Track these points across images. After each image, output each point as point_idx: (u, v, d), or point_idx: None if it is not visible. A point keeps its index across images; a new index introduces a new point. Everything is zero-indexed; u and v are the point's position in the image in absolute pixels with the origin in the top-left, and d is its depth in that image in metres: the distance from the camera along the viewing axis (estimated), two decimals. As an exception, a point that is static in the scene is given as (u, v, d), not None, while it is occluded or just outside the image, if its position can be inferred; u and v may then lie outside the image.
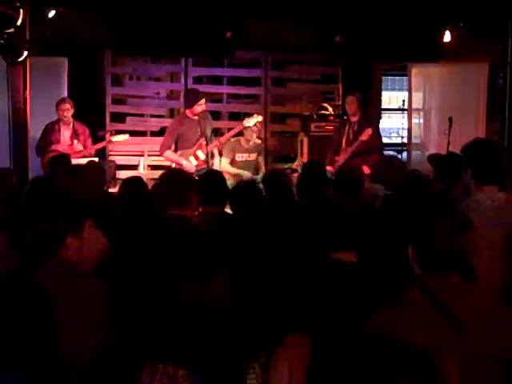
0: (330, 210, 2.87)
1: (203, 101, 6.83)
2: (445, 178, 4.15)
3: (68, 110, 7.13)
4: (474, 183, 3.16)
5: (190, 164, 6.83)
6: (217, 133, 7.70)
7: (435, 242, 2.22)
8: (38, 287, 2.19)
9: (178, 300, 2.44)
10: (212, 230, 3.53)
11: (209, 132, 6.98)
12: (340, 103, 8.59)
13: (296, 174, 6.53)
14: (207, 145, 6.87)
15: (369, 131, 6.89)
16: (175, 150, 7.01)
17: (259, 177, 6.76)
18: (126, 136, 7.58)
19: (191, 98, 7.02)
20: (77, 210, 2.70)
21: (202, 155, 6.88)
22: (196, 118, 6.86)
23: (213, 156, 7.10)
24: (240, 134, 7.37)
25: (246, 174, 7.04)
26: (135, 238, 3.36)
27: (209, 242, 2.73)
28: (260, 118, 7.26)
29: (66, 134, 7.18)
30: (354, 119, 7.18)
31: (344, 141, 7.17)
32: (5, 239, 3.12)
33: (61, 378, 2.21)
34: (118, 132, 7.78)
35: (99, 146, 7.39)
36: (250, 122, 7.13)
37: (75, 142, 7.16)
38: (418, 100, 9.17)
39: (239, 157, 7.32)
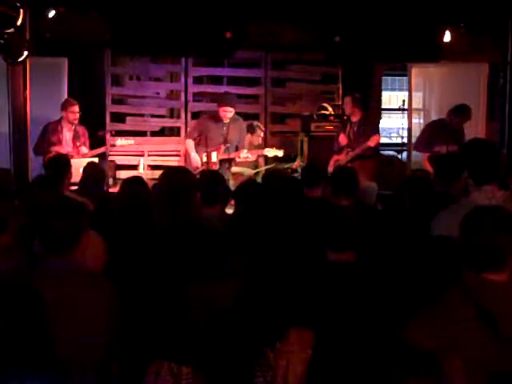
0: (328, 210, 2.87)
1: (228, 108, 6.68)
2: (444, 178, 4.15)
3: (78, 113, 7.07)
4: (473, 183, 3.17)
5: (196, 158, 6.75)
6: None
7: (475, 239, 2.12)
8: (35, 288, 2.18)
9: (185, 299, 2.44)
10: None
11: (235, 140, 6.86)
12: (340, 103, 8.58)
13: (296, 174, 6.55)
14: (221, 151, 6.76)
15: (377, 137, 6.85)
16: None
17: (258, 177, 6.77)
18: (131, 141, 7.45)
19: (217, 100, 6.99)
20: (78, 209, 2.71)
21: (214, 157, 6.75)
22: (223, 121, 6.73)
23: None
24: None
25: (248, 172, 7.00)
26: (141, 238, 3.36)
27: (220, 242, 2.71)
28: (281, 153, 7.14)
29: (67, 135, 7.12)
30: (354, 119, 7.16)
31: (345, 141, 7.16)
32: (8, 238, 3.13)
33: (61, 379, 2.21)
34: (118, 132, 7.75)
35: (97, 151, 7.21)
36: (270, 152, 7.09)
37: (77, 143, 7.09)
38: (417, 100, 9.17)
39: (239, 157, 7.30)
